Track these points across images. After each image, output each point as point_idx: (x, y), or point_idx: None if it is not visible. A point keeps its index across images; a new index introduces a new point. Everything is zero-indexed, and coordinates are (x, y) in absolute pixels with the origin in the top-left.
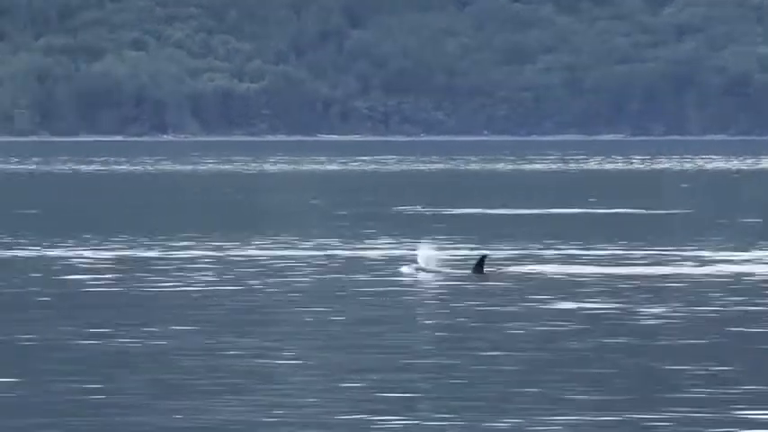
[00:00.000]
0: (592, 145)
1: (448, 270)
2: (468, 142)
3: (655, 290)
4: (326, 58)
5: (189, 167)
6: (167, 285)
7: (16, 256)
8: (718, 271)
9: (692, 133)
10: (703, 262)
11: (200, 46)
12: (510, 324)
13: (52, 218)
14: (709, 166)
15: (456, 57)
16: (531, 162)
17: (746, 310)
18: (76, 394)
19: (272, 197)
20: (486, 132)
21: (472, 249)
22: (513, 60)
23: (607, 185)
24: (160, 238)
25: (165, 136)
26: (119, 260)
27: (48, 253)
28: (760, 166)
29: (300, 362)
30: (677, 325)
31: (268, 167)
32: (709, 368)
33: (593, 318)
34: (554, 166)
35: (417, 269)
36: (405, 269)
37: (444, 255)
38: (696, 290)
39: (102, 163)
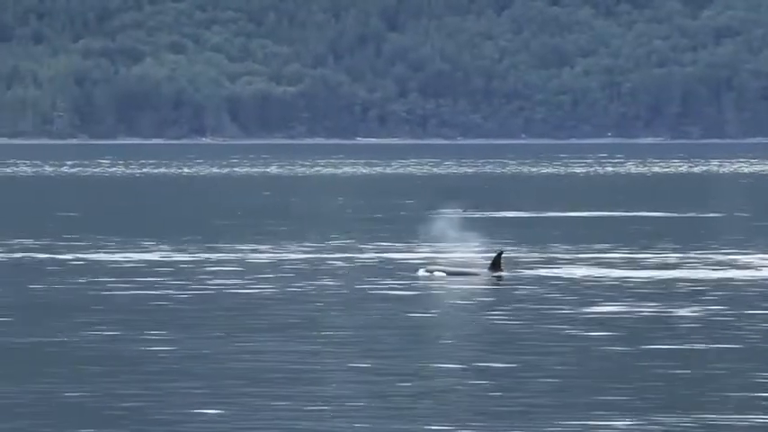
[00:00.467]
0: (630, 148)
1: (466, 270)
2: (506, 145)
3: (695, 293)
4: (364, 61)
5: (238, 171)
6: (206, 288)
7: (55, 258)
8: (759, 276)
9: (731, 136)
10: (744, 266)
11: (238, 49)
12: (549, 327)
13: (93, 220)
14: (746, 170)
15: (494, 60)
16: (569, 165)
17: None
18: (121, 398)
19: (309, 200)
20: (523, 136)
21: (511, 252)
22: (550, 64)
23: (645, 189)
24: (196, 240)
25: (203, 139)
26: (160, 263)
27: (89, 255)
28: None
29: (341, 366)
30: (717, 329)
31: (306, 170)
32: (750, 373)
33: (631, 321)
34: (592, 170)
35: (432, 272)
36: (420, 272)
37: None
38: (737, 293)
39: (140, 165)
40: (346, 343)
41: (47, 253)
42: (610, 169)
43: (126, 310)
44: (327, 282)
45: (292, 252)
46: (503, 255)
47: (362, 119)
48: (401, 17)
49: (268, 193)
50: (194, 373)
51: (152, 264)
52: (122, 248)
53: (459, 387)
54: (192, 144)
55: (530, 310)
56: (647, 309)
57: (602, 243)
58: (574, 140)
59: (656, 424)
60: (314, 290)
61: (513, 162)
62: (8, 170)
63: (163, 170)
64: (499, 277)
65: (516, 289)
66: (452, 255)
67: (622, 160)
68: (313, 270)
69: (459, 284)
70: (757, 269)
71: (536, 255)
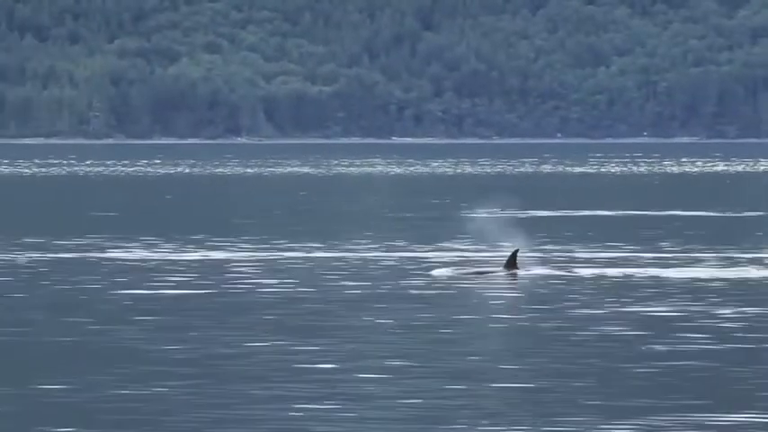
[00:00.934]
0: (665, 148)
1: (487, 270)
2: (542, 145)
3: (732, 293)
4: (400, 61)
5: (273, 170)
6: (240, 288)
7: (87, 257)
8: None
9: (767, 135)
10: None
11: (274, 49)
12: (583, 327)
13: (130, 220)
14: None
15: (529, 59)
16: (605, 165)
17: None
18: (147, 398)
19: (345, 200)
20: (559, 135)
21: (547, 252)
22: (586, 63)
23: (682, 188)
24: (232, 239)
25: (238, 139)
26: (194, 262)
27: (125, 255)
28: None
29: (372, 367)
30: (759, 329)
31: (342, 170)
32: None
33: (668, 321)
34: (630, 168)
35: (452, 271)
36: (437, 272)
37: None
38: None
39: (174, 165)
40: (377, 343)
41: (83, 252)
42: (645, 168)
43: (159, 309)
44: (359, 282)
45: (326, 251)
46: (518, 252)
47: (398, 118)
48: (436, 16)
49: (304, 192)
50: (223, 374)
51: (187, 263)
52: (158, 248)
53: (493, 388)
54: (227, 144)
55: (561, 310)
56: (685, 308)
57: (638, 242)
58: (609, 140)
59: (695, 424)
60: (347, 289)
61: (549, 161)
62: (44, 170)
63: (198, 170)
64: (514, 275)
65: (548, 288)
66: (486, 254)
67: (658, 159)
68: (346, 269)
69: (489, 284)
70: None
71: (569, 254)
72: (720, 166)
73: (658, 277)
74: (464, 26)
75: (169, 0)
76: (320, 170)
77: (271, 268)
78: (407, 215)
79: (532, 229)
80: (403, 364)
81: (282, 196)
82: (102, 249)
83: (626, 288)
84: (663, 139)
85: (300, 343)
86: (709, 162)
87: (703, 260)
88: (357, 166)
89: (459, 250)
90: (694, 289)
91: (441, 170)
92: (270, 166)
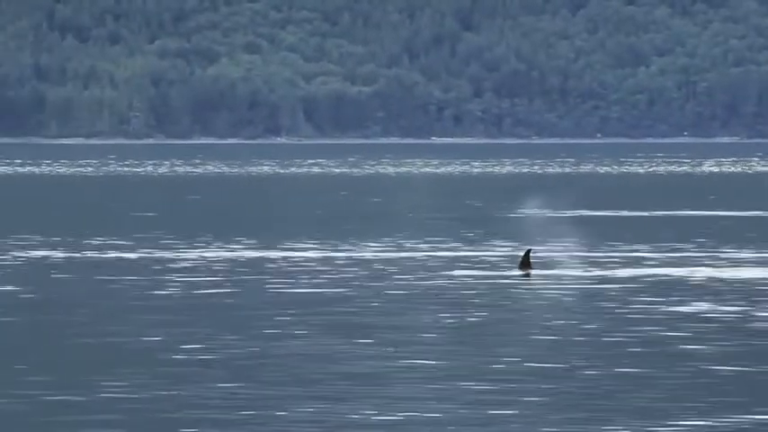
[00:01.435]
0: (706, 148)
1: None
2: (581, 145)
3: None
4: (439, 61)
5: (314, 170)
6: (280, 288)
7: (132, 257)
8: None
9: None
10: None
11: (313, 49)
12: (624, 326)
13: (169, 220)
14: None
15: (569, 59)
16: (645, 164)
17: None
18: (191, 399)
19: (385, 200)
20: (599, 135)
21: (589, 251)
22: (626, 63)
23: (721, 188)
24: (272, 239)
25: (278, 139)
26: (234, 262)
27: (166, 255)
28: None
29: (416, 367)
30: None
31: (383, 170)
32: None
33: (708, 321)
34: (668, 168)
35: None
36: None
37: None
38: None
39: (215, 165)
40: (417, 343)
41: (123, 252)
42: (684, 168)
43: (199, 309)
44: (399, 281)
45: (367, 251)
46: (530, 252)
47: (437, 118)
48: (476, 17)
49: (345, 192)
50: (263, 375)
51: (226, 263)
52: (198, 247)
53: (532, 388)
54: (267, 144)
55: (601, 310)
56: (727, 308)
57: (677, 242)
58: (649, 140)
59: (738, 423)
60: (387, 289)
61: (589, 161)
62: (84, 170)
63: (239, 169)
64: (527, 275)
65: (588, 288)
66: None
67: (700, 159)
68: (387, 269)
69: (525, 284)
70: None
71: (608, 253)
72: (761, 165)
73: (697, 277)
74: (504, 26)
75: (209, 0)
76: (360, 170)
77: (310, 268)
78: (447, 215)
79: (569, 228)
80: (438, 363)
81: (323, 196)
82: (142, 250)
83: (665, 287)
84: (703, 139)
85: (338, 343)
86: (753, 161)
87: (748, 260)
88: (396, 165)
89: (500, 249)
90: (744, 289)
91: (480, 170)
92: (309, 166)
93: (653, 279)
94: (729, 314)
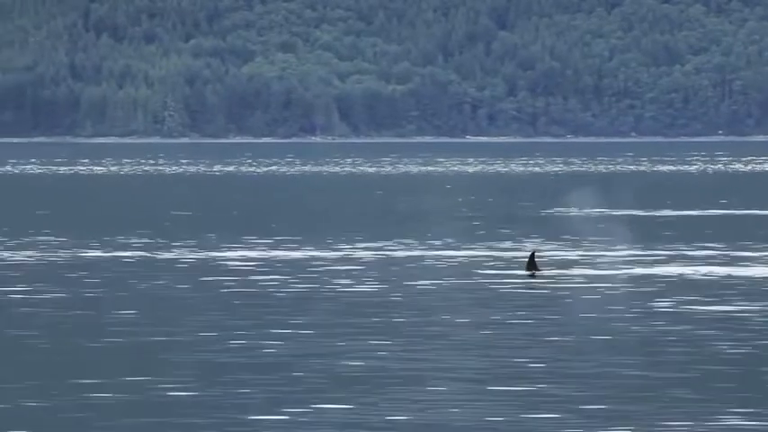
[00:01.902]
0: (741, 146)
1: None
2: (616, 144)
3: None
4: (474, 59)
5: (349, 169)
6: (315, 287)
7: (171, 257)
8: None
9: None
10: None
11: (348, 48)
12: (654, 325)
13: (206, 219)
14: None
15: (604, 58)
16: (682, 163)
17: None
18: (231, 397)
19: (421, 199)
20: (633, 134)
21: (626, 249)
22: (661, 61)
23: (756, 186)
24: (307, 239)
25: (313, 138)
26: (269, 260)
27: (204, 254)
28: None
29: (445, 367)
30: None
31: (420, 169)
32: None
33: (739, 320)
34: (708, 167)
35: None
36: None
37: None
38: None
39: (249, 164)
40: (458, 343)
41: (163, 250)
42: (720, 167)
43: (235, 308)
44: (433, 281)
45: (402, 250)
46: (535, 253)
47: (472, 117)
48: (511, 15)
49: (380, 192)
50: (300, 374)
51: (262, 262)
52: (235, 247)
53: (578, 388)
54: (301, 143)
55: (639, 308)
56: (758, 307)
57: (715, 241)
58: (684, 138)
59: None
60: (421, 288)
61: (625, 160)
62: (118, 169)
63: (274, 168)
64: (532, 275)
65: (625, 287)
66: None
67: (737, 158)
68: (423, 269)
69: (568, 284)
70: None
71: (647, 252)
72: None
73: (734, 276)
74: (539, 25)
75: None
76: (396, 169)
77: (346, 267)
78: (483, 214)
79: (603, 227)
80: (469, 364)
81: (358, 195)
82: (180, 249)
83: (704, 287)
84: (738, 138)
85: (372, 342)
86: None
87: None
88: (432, 164)
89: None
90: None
91: (515, 168)
92: (345, 165)
93: (690, 278)
94: (758, 313)
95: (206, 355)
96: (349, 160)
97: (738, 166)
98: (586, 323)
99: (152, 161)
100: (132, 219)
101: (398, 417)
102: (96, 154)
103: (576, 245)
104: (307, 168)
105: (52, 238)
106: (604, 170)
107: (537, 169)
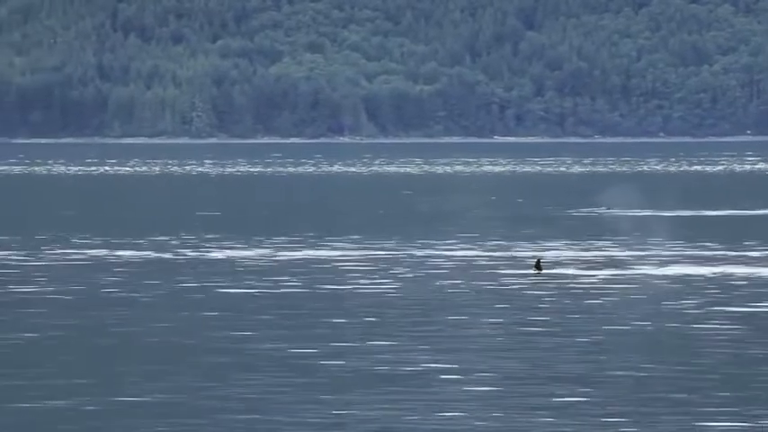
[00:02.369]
0: None
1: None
2: (644, 144)
3: None
4: (501, 60)
5: (376, 169)
6: (344, 286)
7: (199, 256)
8: None
9: None
10: None
11: (375, 48)
12: (680, 325)
13: (234, 219)
14: None
15: (632, 58)
16: (710, 164)
17: None
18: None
19: (449, 199)
20: (661, 134)
21: (661, 249)
22: (689, 62)
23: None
24: (336, 239)
25: (340, 138)
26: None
27: (232, 253)
28: None
29: (466, 368)
30: None
31: (445, 169)
32: None
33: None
34: (731, 167)
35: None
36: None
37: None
38: None
39: (273, 165)
40: (485, 344)
41: (191, 250)
42: (749, 167)
43: (266, 308)
44: (463, 281)
45: (431, 250)
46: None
47: (499, 117)
48: (538, 15)
49: (409, 192)
50: (329, 372)
51: (290, 262)
52: (263, 246)
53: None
54: (329, 143)
55: (662, 308)
56: None
57: (749, 241)
58: (712, 138)
59: None
60: (450, 288)
61: (652, 160)
62: (147, 169)
63: (302, 169)
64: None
65: (658, 287)
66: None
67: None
68: (449, 269)
69: (601, 283)
70: None
71: (677, 252)
72: None
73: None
74: (566, 25)
75: (271, 0)
76: (423, 169)
77: (375, 267)
78: (510, 214)
79: (630, 228)
80: (506, 364)
81: (386, 195)
82: (209, 248)
83: (736, 287)
84: (766, 138)
85: (402, 343)
86: None
87: None
88: (460, 164)
89: (562, 249)
90: None
91: (542, 169)
92: (373, 166)
93: (719, 277)
94: None
95: (235, 354)
96: (378, 160)
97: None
98: (615, 323)
99: (179, 162)
100: (162, 219)
101: (435, 414)
102: (124, 154)
103: (609, 245)
104: (334, 169)
105: (75, 238)
106: (648, 170)
107: (563, 169)
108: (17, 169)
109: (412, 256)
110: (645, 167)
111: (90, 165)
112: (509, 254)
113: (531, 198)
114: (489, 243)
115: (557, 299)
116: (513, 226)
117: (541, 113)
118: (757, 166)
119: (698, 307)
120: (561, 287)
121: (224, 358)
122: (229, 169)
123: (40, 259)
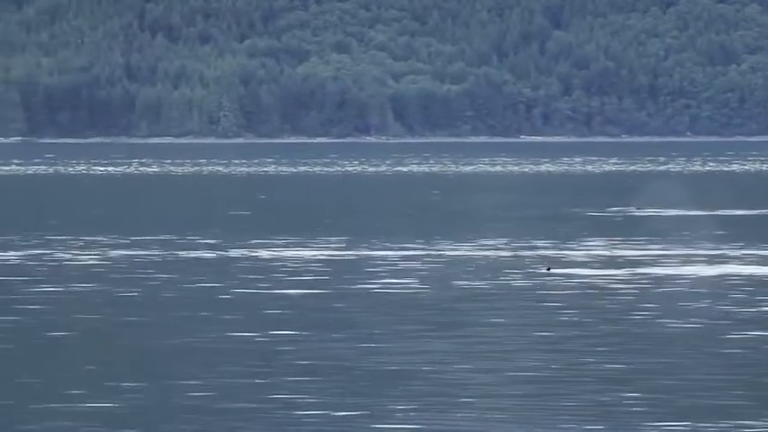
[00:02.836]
0: None
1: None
2: (672, 143)
3: None
4: (528, 59)
5: (403, 169)
6: (373, 286)
7: (227, 256)
8: None
9: None
10: None
11: (402, 48)
12: (694, 325)
13: (264, 219)
14: None
15: (659, 57)
16: (736, 163)
17: None
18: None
19: (478, 199)
20: (689, 134)
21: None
22: (717, 61)
23: None
24: (363, 239)
25: (367, 138)
26: (327, 260)
27: (260, 253)
28: None
29: (489, 367)
30: None
31: (475, 169)
32: None
33: None
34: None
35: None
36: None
37: None
38: None
39: (308, 164)
40: (516, 344)
41: (219, 250)
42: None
43: (294, 309)
44: (491, 280)
45: (458, 250)
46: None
47: (526, 117)
48: (565, 15)
49: (437, 191)
50: (356, 374)
51: (320, 262)
52: (291, 246)
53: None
54: (356, 143)
55: (677, 308)
56: None
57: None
58: (740, 138)
59: None
60: (479, 288)
61: (680, 159)
62: (175, 169)
63: (329, 168)
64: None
65: (677, 287)
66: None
67: None
68: (478, 269)
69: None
70: None
71: (700, 252)
72: None
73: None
74: (593, 24)
75: (299, 0)
76: (451, 169)
77: (402, 267)
78: (538, 213)
79: (658, 227)
80: (532, 364)
81: (414, 195)
82: (237, 248)
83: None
84: None
85: (425, 342)
86: None
87: None
88: (487, 164)
89: (592, 249)
90: None
91: (570, 168)
92: (400, 165)
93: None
94: None
95: (260, 356)
96: (407, 160)
97: None
98: (646, 323)
99: (208, 161)
100: (193, 218)
101: (461, 414)
102: (152, 154)
103: (638, 244)
104: (362, 168)
105: (104, 238)
106: (687, 170)
107: (589, 167)
108: (46, 169)
109: (441, 255)
110: (673, 167)
111: (117, 164)
112: (536, 253)
113: (558, 197)
114: (518, 243)
115: (585, 300)
116: (543, 225)
117: (568, 113)
118: None
119: (736, 305)
120: (588, 286)
121: (250, 360)
122: (257, 168)
123: (68, 259)
